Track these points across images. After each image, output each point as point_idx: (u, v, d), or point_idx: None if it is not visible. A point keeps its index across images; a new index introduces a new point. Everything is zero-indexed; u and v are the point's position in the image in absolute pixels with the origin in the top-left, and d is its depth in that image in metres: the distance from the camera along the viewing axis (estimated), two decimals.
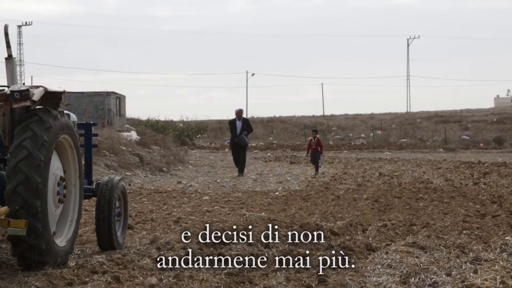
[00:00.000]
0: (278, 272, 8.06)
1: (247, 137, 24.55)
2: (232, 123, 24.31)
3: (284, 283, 7.73)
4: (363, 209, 14.36)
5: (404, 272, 7.99)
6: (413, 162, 30.80)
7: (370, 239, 10.30)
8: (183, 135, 45.66)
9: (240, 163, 24.03)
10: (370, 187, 19.47)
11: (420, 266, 8.25)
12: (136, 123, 42.17)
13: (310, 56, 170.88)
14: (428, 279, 7.74)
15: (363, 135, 58.74)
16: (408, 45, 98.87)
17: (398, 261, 8.45)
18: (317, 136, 25.77)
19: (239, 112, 24.34)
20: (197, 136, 49.41)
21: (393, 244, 9.88)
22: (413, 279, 7.74)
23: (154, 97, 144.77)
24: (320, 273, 7.96)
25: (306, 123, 65.17)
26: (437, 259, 8.64)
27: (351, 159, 33.45)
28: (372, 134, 57.40)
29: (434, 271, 8.03)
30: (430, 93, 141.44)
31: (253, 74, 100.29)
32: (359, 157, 35.23)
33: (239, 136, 23.89)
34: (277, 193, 18.26)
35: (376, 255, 9.08)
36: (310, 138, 26.46)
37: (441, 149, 43.61)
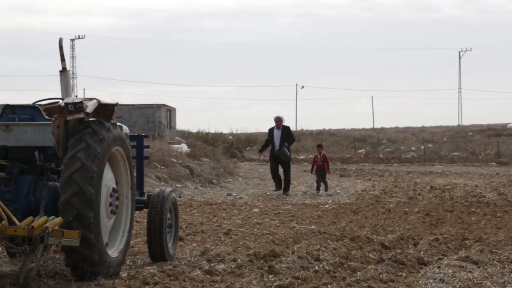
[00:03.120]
0: (329, 286, 8.02)
1: (289, 149, 21.66)
2: (270, 131, 21.95)
3: None
4: (414, 223, 14.23)
5: (457, 287, 7.89)
6: (465, 175, 30.45)
7: (421, 253, 10.20)
8: (233, 147, 45.74)
9: (284, 180, 21.42)
10: (421, 200, 19.29)
11: (473, 281, 8.14)
12: (186, 136, 42.38)
13: (360, 69, 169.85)
14: None
15: (413, 148, 58.23)
16: (459, 58, 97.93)
17: (450, 275, 8.35)
18: (323, 151, 23.35)
19: (278, 120, 21.64)
20: (247, 149, 49.37)
21: (445, 258, 9.77)
22: None
23: (204, 109, 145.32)
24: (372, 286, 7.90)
25: (356, 136, 64.85)
26: (491, 274, 8.51)
27: (402, 172, 33.18)
28: (423, 147, 56.87)
29: (488, 286, 7.92)
30: (482, 106, 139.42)
31: (302, 87, 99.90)
32: (409, 170, 34.93)
33: (281, 149, 21.33)
34: (327, 206, 18.19)
35: (428, 269, 8.99)
36: (315, 154, 23.68)
37: (494, 163, 43.01)
